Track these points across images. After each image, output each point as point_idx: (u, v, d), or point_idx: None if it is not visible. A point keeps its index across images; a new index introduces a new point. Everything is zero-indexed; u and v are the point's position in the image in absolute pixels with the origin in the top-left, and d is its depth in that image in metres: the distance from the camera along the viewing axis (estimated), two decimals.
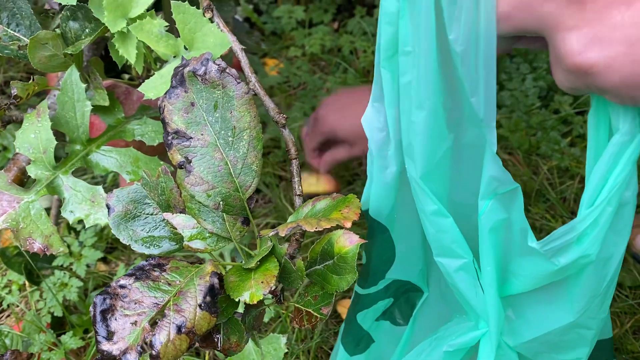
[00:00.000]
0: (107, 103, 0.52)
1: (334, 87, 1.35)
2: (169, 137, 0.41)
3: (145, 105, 0.59)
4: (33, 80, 0.47)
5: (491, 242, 0.38)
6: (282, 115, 0.47)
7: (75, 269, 0.80)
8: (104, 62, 0.58)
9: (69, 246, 0.81)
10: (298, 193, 0.46)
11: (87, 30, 0.49)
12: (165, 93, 0.41)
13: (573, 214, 1.04)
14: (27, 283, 0.80)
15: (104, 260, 0.90)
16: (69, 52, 0.47)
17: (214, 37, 0.41)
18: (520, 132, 1.10)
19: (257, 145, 0.41)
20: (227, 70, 0.40)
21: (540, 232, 1.00)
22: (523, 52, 1.33)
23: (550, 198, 1.04)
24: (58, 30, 0.49)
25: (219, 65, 0.40)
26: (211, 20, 0.48)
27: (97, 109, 0.53)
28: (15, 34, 0.51)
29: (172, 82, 0.41)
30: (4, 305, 0.81)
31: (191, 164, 0.40)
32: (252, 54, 0.78)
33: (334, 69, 1.49)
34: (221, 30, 0.43)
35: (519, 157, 1.10)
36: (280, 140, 1.21)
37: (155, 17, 0.46)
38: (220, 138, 0.40)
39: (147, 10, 0.46)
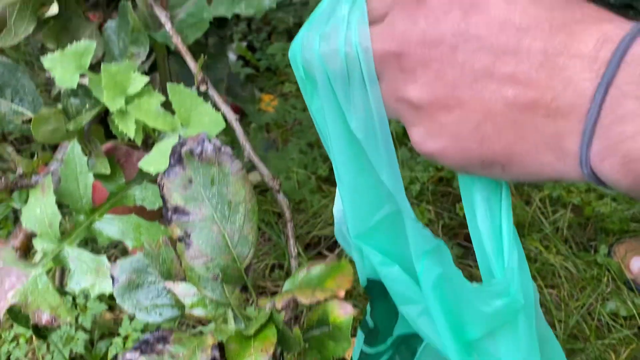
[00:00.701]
0: (108, 171, 0.54)
1: None
2: (169, 213, 0.43)
3: None
4: (37, 157, 0.50)
5: (436, 297, 0.40)
6: (276, 181, 0.50)
7: (81, 321, 0.82)
8: (104, 124, 0.61)
9: (74, 298, 0.82)
10: (293, 255, 0.48)
11: (87, 105, 0.51)
12: (165, 171, 0.43)
13: (567, 243, 1.06)
14: (34, 336, 0.81)
15: (109, 307, 0.92)
16: (71, 129, 0.49)
17: (209, 116, 0.44)
18: None
19: (253, 217, 0.43)
20: (223, 149, 0.42)
21: (535, 262, 1.02)
22: None
23: (544, 228, 1.06)
24: (59, 106, 0.52)
25: (214, 144, 0.42)
26: (206, 92, 0.51)
27: (98, 176, 0.55)
28: (19, 108, 0.53)
29: (170, 160, 0.43)
30: (12, 359, 0.83)
31: (190, 238, 0.43)
32: (247, 103, 0.81)
33: None
34: (216, 107, 0.45)
35: (510, 187, 1.13)
36: None
37: (152, 93, 0.48)
38: (218, 212, 0.43)
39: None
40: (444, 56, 0.29)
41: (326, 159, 1.28)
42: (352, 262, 0.44)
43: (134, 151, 0.64)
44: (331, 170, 1.30)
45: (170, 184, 0.43)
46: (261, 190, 1.14)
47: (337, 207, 0.46)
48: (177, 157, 0.43)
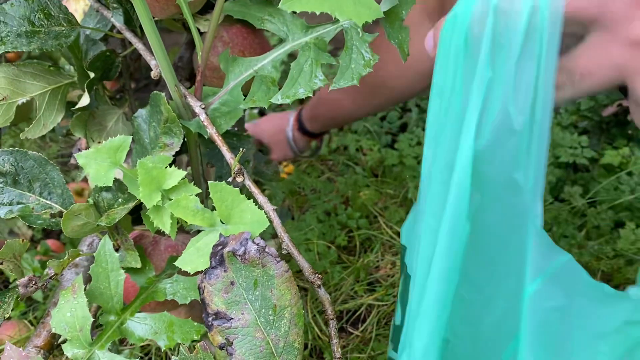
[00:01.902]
0: (139, 265, 0.52)
1: (344, 189, 1.36)
2: (210, 319, 0.40)
3: (174, 256, 0.59)
4: (68, 254, 0.48)
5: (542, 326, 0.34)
6: (317, 275, 0.47)
7: None
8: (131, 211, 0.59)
9: None
10: (337, 356, 0.46)
11: (119, 199, 0.50)
12: (205, 273, 0.41)
13: None
14: None
15: None
16: (103, 224, 0.48)
17: (251, 214, 0.42)
18: None
19: (299, 322, 0.40)
20: (267, 250, 0.40)
21: None
22: None
23: None
24: (90, 200, 0.50)
25: (258, 244, 0.40)
26: (242, 183, 0.49)
27: (128, 270, 0.53)
28: (48, 202, 0.52)
29: (211, 262, 0.41)
30: None
31: (232, 345, 0.40)
32: (272, 181, 0.79)
33: (341, 167, 1.52)
34: (257, 203, 0.44)
35: None
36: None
37: (189, 187, 0.47)
38: (261, 317, 0.40)
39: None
40: None
41: (344, 226, 1.26)
42: None
43: (161, 238, 0.62)
44: (350, 239, 1.28)
45: (211, 287, 0.40)
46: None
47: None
48: (218, 259, 0.41)
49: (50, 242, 1.21)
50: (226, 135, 0.63)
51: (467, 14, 0.31)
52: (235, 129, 1.36)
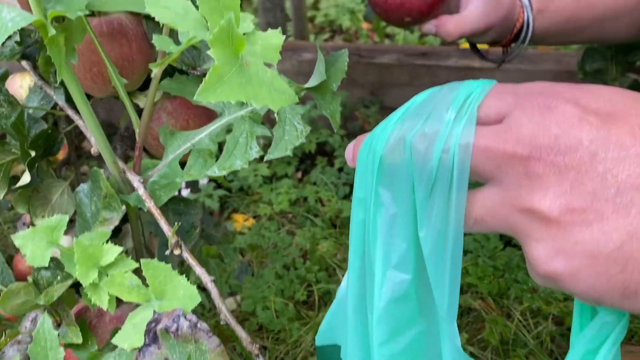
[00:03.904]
0: (80, 340, 0.52)
1: (303, 242, 1.38)
2: None
3: (119, 327, 0.59)
4: (5, 334, 0.48)
5: None
6: (255, 345, 0.48)
7: None
8: (74, 285, 0.59)
9: None
10: None
11: (59, 277, 0.50)
12: (139, 351, 0.42)
13: (552, 356, 1.04)
14: None
15: None
16: (42, 303, 0.48)
17: (184, 289, 0.43)
18: (488, 278, 1.12)
19: None
20: (199, 325, 0.41)
21: None
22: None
23: (528, 343, 1.05)
24: (30, 279, 0.51)
25: (190, 320, 0.41)
26: (180, 256, 0.50)
27: (70, 346, 0.53)
28: None
29: (145, 339, 0.42)
30: None
31: None
32: (222, 243, 0.80)
33: (301, 219, 1.53)
34: (189, 281, 0.45)
35: (490, 302, 1.12)
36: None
37: (126, 262, 0.48)
38: None
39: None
40: (581, 164, 0.26)
41: (303, 281, 1.27)
42: None
43: (105, 311, 0.62)
44: (310, 294, 1.28)
45: None
46: (242, 320, 1.11)
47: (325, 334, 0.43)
48: (152, 336, 0.42)
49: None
50: (173, 201, 0.65)
51: (382, 141, 0.33)
52: (189, 189, 1.36)
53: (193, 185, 1.27)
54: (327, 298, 1.23)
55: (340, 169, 1.68)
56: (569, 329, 1.07)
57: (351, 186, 1.63)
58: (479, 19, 0.72)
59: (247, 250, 1.40)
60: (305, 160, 1.76)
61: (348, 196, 1.59)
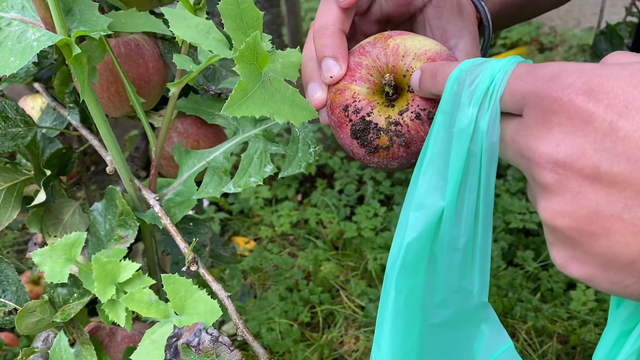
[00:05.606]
0: (95, 359, 0.52)
1: (305, 264, 1.38)
2: None
3: (132, 347, 0.59)
4: (22, 353, 0.48)
5: None
6: (272, 359, 0.48)
7: None
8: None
9: None
10: None
11: (75, 294, 0.51)
12: None
13: None
14: None
15: None
16: (58, 320, 0.48)
17: (204, 304, 0.43)
18: (492, 297, 1.12)
19: None
20: (220, 339, 0.41)
21: None
22: None
23: None
24: (45, 297, 0.51)
25: (211, 334, 0.41)
26: (197, 271, 0.51)
27: None
28: (2, 299, 0.52)
29: (166, 354, 0.42)
30: None
31: None
32: (229, 262, 0.80)
33: (302, 241, 1.53)
34: (208, 295, 0.45)
35: None
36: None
37: (143, 279, 0.48)
38: None
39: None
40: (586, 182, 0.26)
41: (307, 302, 1.27)
42: None
43: (117, 329, 0.62)
44: (313, 315, 1.27)
45: None
46: (239, 344, 1.10)
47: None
48: (173, 351, 0.42)
49: (4, 335, 1.17)
50: (183, 220, 0.65)
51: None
52: (194, 210, 1.36)
53: (198, 206, 1.27)
54: (330, 319, 1.23)
55: (341, 191, 1.68)
56: (574, 348, 1.07)
57: (352, 208, 1.63)
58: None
59: (249, 272, 1.40)
60: (305, 182, 1.76)
61: (349, 218, 1.60)
